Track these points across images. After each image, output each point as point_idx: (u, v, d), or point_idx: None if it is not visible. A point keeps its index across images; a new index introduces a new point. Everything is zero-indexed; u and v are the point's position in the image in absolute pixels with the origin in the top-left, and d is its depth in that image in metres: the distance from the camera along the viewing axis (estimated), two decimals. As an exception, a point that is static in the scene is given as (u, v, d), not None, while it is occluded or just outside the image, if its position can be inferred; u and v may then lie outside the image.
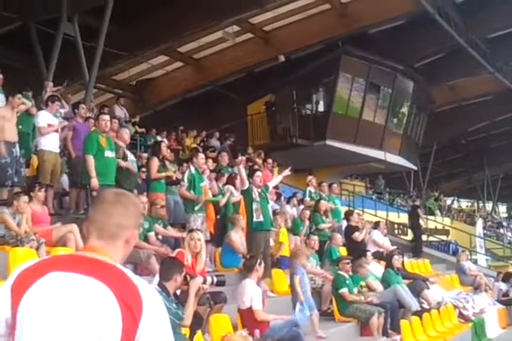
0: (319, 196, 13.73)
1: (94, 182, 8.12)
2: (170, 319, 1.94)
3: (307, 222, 12.37)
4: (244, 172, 10.07)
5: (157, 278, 6.90)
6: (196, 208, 9.23)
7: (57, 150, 9.56)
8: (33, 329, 1.82)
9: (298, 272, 8.00)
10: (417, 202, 21.68)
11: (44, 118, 9.49)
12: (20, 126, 9.64)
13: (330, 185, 14.32)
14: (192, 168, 9.58)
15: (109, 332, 1.79)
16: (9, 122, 8.94)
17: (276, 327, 6.81)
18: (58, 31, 15.97)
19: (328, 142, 21.72)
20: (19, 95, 9.54)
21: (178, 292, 5.80)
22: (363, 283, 9.68)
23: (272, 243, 10.01)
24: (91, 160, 8.27)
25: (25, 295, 1.86)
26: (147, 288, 1.91)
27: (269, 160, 15.88)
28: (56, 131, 9.65)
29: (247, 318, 6.79)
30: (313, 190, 14.00)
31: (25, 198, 7.37)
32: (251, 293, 6.88)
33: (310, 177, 14.45)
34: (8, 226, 7.01)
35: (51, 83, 13.64)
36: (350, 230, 12.56)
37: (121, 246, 2.03)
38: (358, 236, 12.18)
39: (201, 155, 9.96)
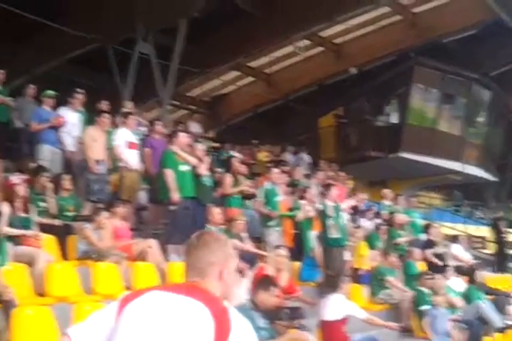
0: (395, 209, 13.51)
1: (175, 195, 8.27)
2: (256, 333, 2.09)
3: (384, 236, 12.17)
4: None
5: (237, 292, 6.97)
6: (272, 223, 9.26)
7: (137, 167, 9.77)
8: (128, 339, 1.98)
9: (429, 314, 7.76)
10: (499, 215, 20.98)
11: (121, 136, 9.70)
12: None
13: (407, 198, 14.07)
14: (267, 183, 9.61)
15: None
16: (97, 142, 9.23)
17: None
18: (134, 51, 16.43)
19: (403, 154, 21.37)
20: (106, 115, 9.86)
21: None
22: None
23: (350, 257, 9.90)
24: (170, 174, 8.42)
25: (125, 308, 2.05)
26: (237, 315, 2.08)
27: (342, 174, 15.75)
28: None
29: (329, 331, 6.73)
30: (389, 204, 13.81)
31: (106, 214, 7.57)
32: (343, 306, 6.84)
33: (386, 191, 14.26)
34: (90, 242, 7.19)
35: (131, 102, 14.01)
36: (429, 243, 12.27)
37: (215, 282, 2.17)
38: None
39: (275, 171, 10.00)
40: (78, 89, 10.83)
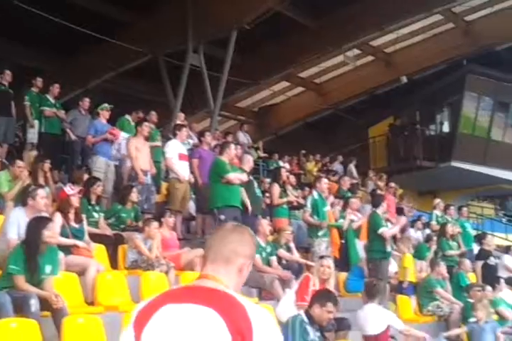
0: (445, 220, 13.34)
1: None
2: None
3: (434, 247, 12.03)
4: None
5: (283, 302, 7.04)
6: (320, 233, 9.27)
7: (187, 178, 9.91)
8: None
9: (470, 328, 7.70)
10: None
11: (173, 148, 9.88)
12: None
13: (459, 208, 13.87)
14: (315, 193, 9.63)
15: None
16: (141, 152, 9.42)
17: None
18: (185, 63, 16.72)
19: (454, 163, 21.13)
20: (146, 123, 10.06)
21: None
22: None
23: (396, 268, 9.82)
24: (231, 175, 8.56)
25: (144, 331, 1.98)
26: (257, 311, 1.97)
27: (392, 184, 15.63)
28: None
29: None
30: (439, 214, 13.64)
31: (155, 224, 7.72)
32: (382, 316, 6.82)
33: (437, 201, 14.09)
34: (140, 251, 7.36)
35: (183, 114, 14.25)
36: (483, 254, 12.07)
37: (235, 273, 2.12)
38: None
39: (324, 180, 10.01)
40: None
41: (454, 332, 7.77)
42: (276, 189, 10.22)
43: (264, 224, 8.55)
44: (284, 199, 10.27)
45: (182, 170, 9.87)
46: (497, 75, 21.61)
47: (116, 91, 18.15)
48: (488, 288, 9.96)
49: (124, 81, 18.61)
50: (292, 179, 12.47)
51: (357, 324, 7.10)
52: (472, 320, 7.92)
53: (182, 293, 2.06)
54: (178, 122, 13.19)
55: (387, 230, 9.00)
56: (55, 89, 11.18)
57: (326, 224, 9.48)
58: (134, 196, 8.61)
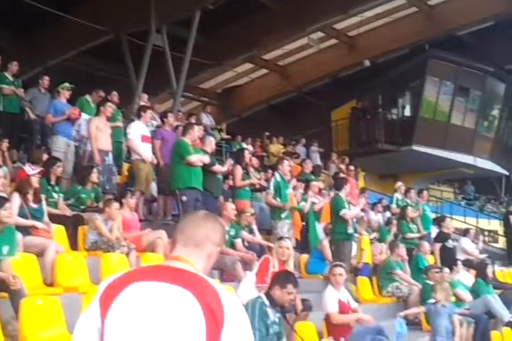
0: (406, 203, 13.50)
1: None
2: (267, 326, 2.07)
3: (394, 230, 12.20)
4: None
5: (244, 284, 7.05)
6: (283, 215, 9.30)
7: (150, 159, 9.83)
8: (120, 337, 1.92)
9: (429, 309, 7.77)
10: (510, 209, 20.87)
11: (136, 129, 9.74)
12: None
13: (419, 192, 14.03)
14: (277, 176, 9.63)
15: (194, 337, 1.87)
16: (102, 132, 9.28)
17: (358, 334, 6.76)
18: (148, 42, 16.50)
19: (415, 147, 21.37)
20: (109, 103, 9.89)
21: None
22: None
23: (355, 251, 9.93)
24: (193, 157, 8.50)
25: (111, 306, 1.96)
26: (228, 294, 1.99)
27: (351, 167, 15.78)
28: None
29: (330, 325, 6.79)
30: (400, 197, 13.80)
31: (116, 205, 7.63)
32: (327, 297, 6.89)
33: (399, 184, 14.23)
34: (101, 232, 7.27)
35: (146, 95, 14.07)
36: (441, 237, 12.26)
37: (204, 258, 2.14)
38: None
39: (286, 163, 10.01)
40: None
41: (412, 311, 7.89)
42: (238, 171, 10.18)
43: (229, 207, 8.52)
44: (247, 182, 10.24)
45: (145, 151, 9.79)
46: (458, 60, 21.83)
47: (77, 70, 17.82)
48: (446, 270, 10.16)
49: (86, 60, 18.32)
50: (255, 161, 12.48)
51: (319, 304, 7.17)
52: (431, 301, 8.04)
53: (154, 271, 2.05)
54: (143, 103, 13.08)
55: (348, 212, 9.07)
56: (14, 66, 10.91)
57: (289, 207, 9.52)
58: (95, 176, 8.50)
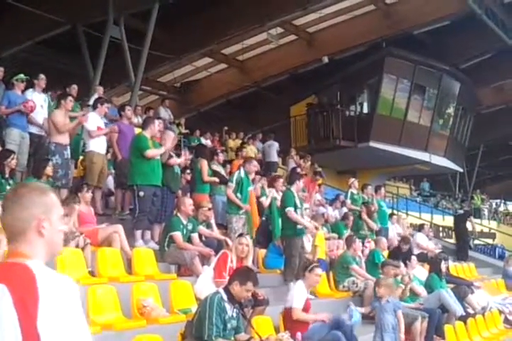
0: (362, 198, 13.66)
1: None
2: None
3: (350, 225, 12.32)
4: None
5: (201, 279, 7.02)
6: (240, 211, 9.30)
7: (105, 152, 9.73)
8: None
9: (373, 305, 7.81)
10: (467, 207, 21.25)
11: (92, 120, 9.65)
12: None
13: (377, 189, 14.20)
14: (242, 172, 9.64)
15: (8, 330, 1.81)
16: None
17: (315, 329, 6.80)
18: (105, 34, 16.28)
19: (372, 144, 21.61)
20: (70, 97, 9.73)
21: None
22: (402, 286, 9.55)
23: (309, 246, 9.95)
24: (151, 152, 8.44)
25: None
26: (51, 282, 1.89)
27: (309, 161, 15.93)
28: (106, 134, 9.84)
29: (289, 319, 6.81)
30: (355, 192, 13.92)
31: (71, 199, 7.55)
32: (296, 293, 6.90)
33: (352, 180, 14.36)
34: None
35: (101, 88, 13.90)
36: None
37: (34, 239, 1.98)
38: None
39: (254, 163, 10.04)
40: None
41: (361, 310, 7.91)
42: (205, 166, 10.10)
43: (187, 202, 8.44)
44: (213, 178, 10.21)
45: (99, 144, 9.68)
46: (415, 58, 22.14)
47: (33, 62, 17.45)
48: (401, 265, 10.30)
49: (42, 51, 17.97)
50: (221, 156, 12.36)
51: (276, 299, 7.18)
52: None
53: None
54: (100, 96, 12.96)
55: (293, 213, 8.96)
56: (-34, 56, 10.65)
57: (249, 208, 9.54)
58: (50, 170, 8.34)
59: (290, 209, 8.89)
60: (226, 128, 18.81)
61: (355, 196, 13.85)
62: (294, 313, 6.77)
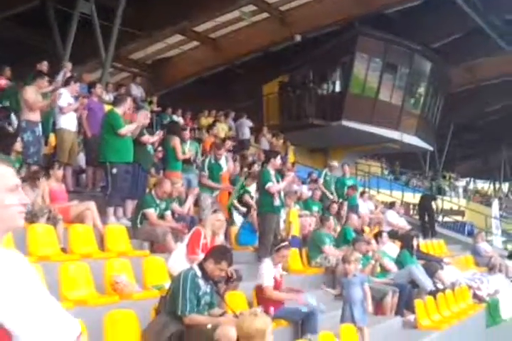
0: (335, 179, 13.88)
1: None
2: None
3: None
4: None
5: (174, 256, 7.02)
6: (214, 194, 9.40)
7: (75, 129, 9.64)
8: None
9: (341, 281, 7.80)
10: (434, 189, 21.54)
11: (65, 97, 9.56)
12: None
13: (347, 166, 14.37)
14: (212, 158, 9.68)
15: None
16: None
17: (290, 310, 6.85)
18: (75, 10, 15.99)
19: (344, 122, 21.68)
20: (47, 78, 9.65)
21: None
22: (372, 262, 9.66)
23: (282, 223, 10.01)
24: (124, 130, 8.36)
25: None
26: None
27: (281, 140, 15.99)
28: (76, 110, 9.74)
29: (261, 297, 6.86)
30: (329, 173, 14.07)
31: (42, 176, 7.50)
32: (265, 271, 6.94)
33: (333, 163, 14.57)
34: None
35: (70, 64, 13.72)
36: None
37: None
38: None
39: (226, 147, 10.08)
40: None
41: (331, 292, 7.95)
42: (177, 143, 10.05)
43: (165, 187, 8.38)
44: (187, 155, 10.20)
45: (70, 121, 9.59)
46: (387, 37, 22.17)
47: (1, 37, 17.10)
48: (372, 241, 10.45)
49: (10, 26, 17.57)
50: (188, 134, 12.32)
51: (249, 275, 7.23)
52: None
53: None
54: (68, 74, 12.82)
55: (273, 186, 9.00)
56: None
57: (230, 188, 9.64)
58: (19, 145, 8.24)
59: (270, 185, 8.90)
60: (197, 107, 18.68)
61: (327, 177, 13.98)
62: (265, 291, 6.81)
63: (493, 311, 11.68)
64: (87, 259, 6.31)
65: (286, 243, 7.41)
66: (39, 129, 9.09)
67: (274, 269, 7.09)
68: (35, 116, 9.06)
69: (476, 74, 27.04)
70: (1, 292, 1.72)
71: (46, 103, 9.19)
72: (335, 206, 12.35)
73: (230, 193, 10.73)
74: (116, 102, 9.19)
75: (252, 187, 10.64)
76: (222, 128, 16.09)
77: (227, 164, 10.47)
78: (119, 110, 8.78)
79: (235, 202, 10.58)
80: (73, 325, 1.84)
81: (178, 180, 9.26)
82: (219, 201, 10.13)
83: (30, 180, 7.40)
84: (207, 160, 9.76)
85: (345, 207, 12.80)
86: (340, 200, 13.19)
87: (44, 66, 11.58)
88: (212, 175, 9.63)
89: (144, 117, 9.42)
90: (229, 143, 12.38)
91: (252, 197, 10.57)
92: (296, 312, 6.78)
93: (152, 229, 7.82)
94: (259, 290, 6.90)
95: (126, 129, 8.57)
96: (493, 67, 26.08)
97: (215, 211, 7.70)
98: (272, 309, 6.65)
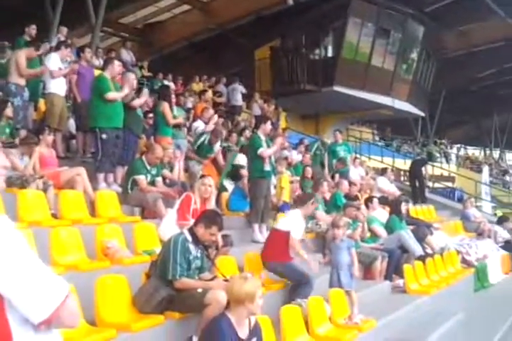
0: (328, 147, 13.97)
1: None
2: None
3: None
4: None
5: (165, 221, 7.04)
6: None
7: (64, 94, 9.56)
8: None
9: (329, 247, 7.86)
10: (424, 154, 21.60)
11: (55, 61, 9.45)
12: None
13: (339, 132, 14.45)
14: (206, 138, 9.75)
15: None
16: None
17: (292, 267, 6.91)
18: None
19: (336, 88, 21.56)
20: (42, 46, 9.58)
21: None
22: (360, 225, 9.70)
23: (273, 189, 10.03)
24: (111, 94, 8.30)
25: None
26: None
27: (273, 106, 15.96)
28: (66, 75, 9.64)
29: (276, 244, 6.94)
30: (321, 147, 14.20)
31: (32, 141, 7.45)
32: (295, 222, 7.02)
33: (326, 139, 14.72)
34: (15, 168, 7.05)
35: (65, 28, 13.55)
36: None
37: None
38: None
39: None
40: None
41: (322, 261, 8.01)
42: (167, 108, 9.97)
43: (156, 152, 8.35)
44: (178, 120, 10.16)
45: (60, 86, 9.50)
46: (380, 1, 21.93)
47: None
48: (363, 207, 10.50)
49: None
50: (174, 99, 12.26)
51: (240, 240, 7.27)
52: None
53: None
54: (62, 38, 12.67)
55: (265, 150, 8.99)
56: None
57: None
58: (9, 111, 8.17)
59: (262, 150, 8.87)
60: (189, 71, 18.54)
61: (320, 147, 14.11)
62: (292, 242, 6.89)
63: (481, 276, 11.83)
64: (78, 225, 6.31)
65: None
66: (26, 94, 9.03)
67: (303, 221, 7.18)
68: (23, 81, 9.00)
69: (469, 39, 26.80)
70: None
71: (34, 72, 9.10)
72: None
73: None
74: (104, 66, 9.09)
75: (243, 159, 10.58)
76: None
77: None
78: (106, 73, 8.67)
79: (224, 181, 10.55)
80: (61, 286, 1.87)
81: (169, 145, 9.24)
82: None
83: (21, 145, 7.37)
84: (202, 139, 9.78)
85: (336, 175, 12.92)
86: (331, 173, 13.35)
87: (32, 30, 11.40)
88: (201, 153, 9.65)
89: (131, 82, 9.34)
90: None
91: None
92: (298, 272, 6.81)
93: (143, 195, 7.83)
94: (281, 234, 6.98)
95: (113, 95, 8.45)
96: (487, 32, 25.85)
97: (202, 176, 7.70)
98: (262, 275, 6.71)
